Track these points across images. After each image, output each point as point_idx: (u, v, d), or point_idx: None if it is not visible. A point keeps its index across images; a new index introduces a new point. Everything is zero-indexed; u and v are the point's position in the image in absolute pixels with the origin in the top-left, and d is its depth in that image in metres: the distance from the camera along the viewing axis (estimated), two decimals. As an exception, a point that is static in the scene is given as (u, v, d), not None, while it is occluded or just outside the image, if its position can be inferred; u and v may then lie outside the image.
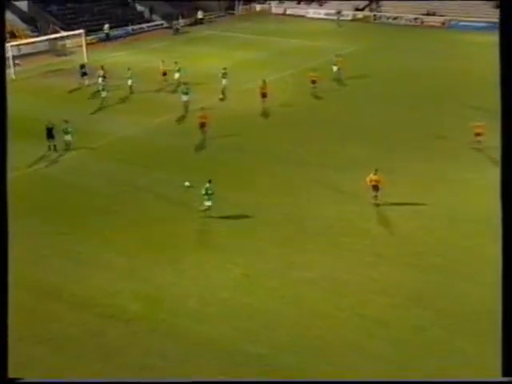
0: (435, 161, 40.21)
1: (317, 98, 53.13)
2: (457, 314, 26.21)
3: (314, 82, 54.32)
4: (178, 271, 29.25)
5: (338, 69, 58.08)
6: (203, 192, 32.97)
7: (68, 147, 41.47)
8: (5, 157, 11.27)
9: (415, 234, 32.32)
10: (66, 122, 42.00)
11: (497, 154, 32.21)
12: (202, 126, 43.22)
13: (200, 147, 42.14)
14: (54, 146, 41.19)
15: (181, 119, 46.29)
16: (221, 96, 53.39)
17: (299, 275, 28.81)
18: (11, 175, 32.94)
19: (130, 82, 54.09)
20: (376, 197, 34.53)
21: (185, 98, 48.62)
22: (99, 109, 51.23)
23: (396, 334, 24.96)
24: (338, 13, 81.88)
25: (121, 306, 26.58)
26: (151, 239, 32.03)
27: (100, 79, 54.03)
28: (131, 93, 54.00)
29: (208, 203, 33.11)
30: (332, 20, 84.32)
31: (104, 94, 52.61)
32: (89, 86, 54.92)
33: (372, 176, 34.27)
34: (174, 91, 53.73)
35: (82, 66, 55.80)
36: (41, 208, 35.27)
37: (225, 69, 55.44)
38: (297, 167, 39.60)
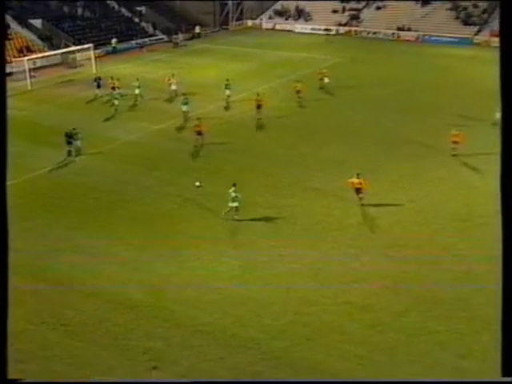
0: (412, 162, 40.31)
1: (303, 105, 53.02)
2: (430, 300, 26.38)
3: (298, 91, 53.98)
4: (178, 263, 29.30)
5: (328, 80, 57.69)
6: (230, 195, 32.75)
7: (78, 152, 41.15)
8: (4, 158, 11.11)
9: (393, 229, 32.46)
10: (74, 129, 41.84)
11: (471, 159, 32.05)
12: (199, 133, 42.89)
13: (198, 151, 42.13)
14: (70, 151, 41.06)
15: (180, 127, 46.00)
16: (225, 105, 53.12)
17: (288, 266, 28.90)
18: (27, 176, 33.15)
19: (137, 91, 53.91)
20: (360, 198, 34.40)
21: (184, 108, 48.25)
22: (110, 116, 51.11)
23: (377, 319, 25.09)
24: (327, 30, 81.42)
25: (127, 295, 26.64)
26: (154, 234, 32.08)
27: (114, 90, 53.67)
28: (138, 101, 53.71)
29: (233, 204, 32.84)
30: (318, 35, 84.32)
31: (116, 102, 52.44)
32: (102, 96, 54.45)
33: (354, 179, 34.08)
34: (173, 100, 53.34)
35: (97, 79, 55.44)
36: (54, 205, 35.26)
37: (228, 80, 55.10)
38: (287, 168, 39.61)
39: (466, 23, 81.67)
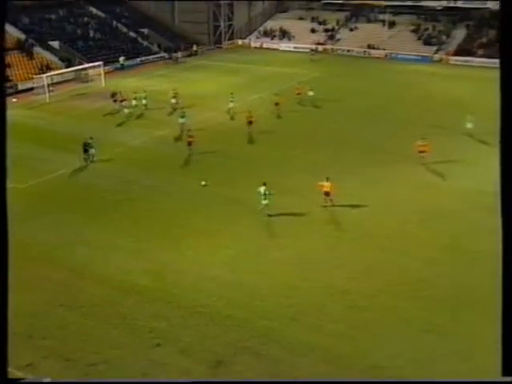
0: (384, 166, 40.21)
1: (283, 115, 52.42)
2: (399, 283, 26.53)
3: (277, 104, 52.78)
4: (177, 252, 29.29)
5: (312, 93, 56.11)
6: (262, 193, 32.43)
7: (92, 158, 40.94)
8: (4, 160, 10.83)
9: (365, 222, 32.52)
10: (91, 138, 41.53)
11: (435, 165, 31.87)
12: (189, 144, 42.26)
13: (194, 155, 41.84)
14: (87, 158, 40.67)
15: (178, 137, 45.47)
16: (230, 115, 52.31)
17: (274, 255, 28.94)
18: (43, 178, 32.83)
19: (144, 101, 53.50)
20: (329, 201, 33.64)
21: (181, 120, 47.26)
22: (119, 124, 50.82)
23: (353, 300, 25.20)
24: (312, 50, 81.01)
25: (133, 281, 26.62)
26: (155, 227, 32.05)
27: (121, 102, 53.35)
28: (144, 110, 53.28)
29: (265, 202, 32.46)
30: (300, 52, 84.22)
31: (126, 111, 52.27)
32: (119, 110, 53.81)
33: (324, 183, 33.50)
34: (173, 112, 52.95)
35: (114, 94, 54.89)
36: (67, 204, 35.14)
37: (232, 93, 54.49)
38: (270, 169, 39.41)
39: (426, 43, 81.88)
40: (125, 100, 53.40)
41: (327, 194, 33.38)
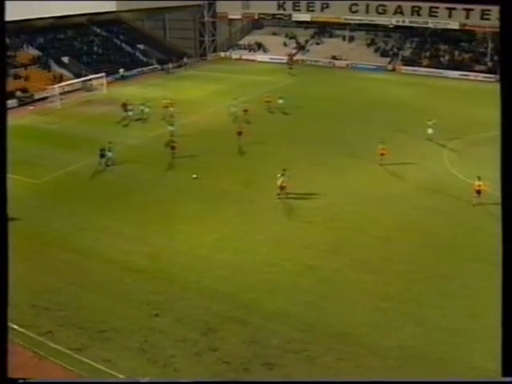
0: (349, 159, 40.22)
1: (249, 121, 51.39)
2: (360, 259, 26.72)
3: (245, 110, 50.71)
4: (171, 237, 29.25)
5: (282, 101, 53.72)
6: (279, 178, 32.97)
7: (112, 162, 39.61)
8: (4, 160, 10.56)
9: (331, 207, 32.56)
10: (110, 143, 40.62)
11: (394, 160, 31.86)
12: (172, 148, 40.70)
13: (183, 151, 41.44)
14: (105, 162, 39.47)
15: (167, 142, 42.74)
16: (232, 119, 50.54)
17: (254, 237, 28.99)
18: (55, 174, 32.57)
19: (142, 107, 52.41)
20: (284, 194, 33.24)
21: (170, 128, 45.10)
22: (120, 127, 50.28)
23: (322, 275, 25.32)
24: (290, 64, 79.82)
25: (133, 262, 26.59)
26: (151, 215, 31.92)
27: (125, 106, 52.53)
28: (144, 116, 52.62)
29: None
30: (274, 63, 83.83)
31: (130, 113, 51.71)
32: (126, 117, 52.30)
33: (279, 176, 32.94)
34: (163, 118, 51.52)
35: (125, 105, 53.91)
36: (76, 196, 34.94)
37: (235, 99, 53.63)
38: (254, 163, 39.53)
39: (381, 55, 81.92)
40: (127, 105, 52.66)
41: (282, 188, 33.05)
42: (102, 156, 39.54)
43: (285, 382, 18.23)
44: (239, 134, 43.38)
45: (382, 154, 38.18)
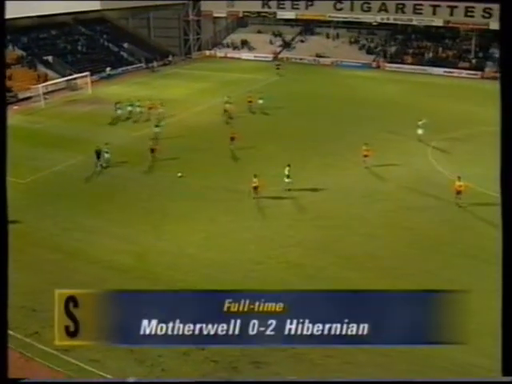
0: (334, 157, 40.38)
1: (246, 114, 52.03)
2: (346, 256, 26.77)
3: (225, 110, 50.89)
4: (157, 236, 29.20)
5: (262, 102, 52.94)
6: (286, 173, 33.54)
7: (108, 163, 39.10)
8: (4, 160, 10.51)
9: (317, 205, 32.70)
10: (107, 144, 39.82)
11: (377, 160, 31.64)
12: (152, 151, 39.97)
13: (168, 150, 41.31)
14: (101, 164, 38.80)
15: (153, 145, 41.52)
16: (231, 117, 50.55)
17: (240, 236, 29.00)
18: (41, 174, 32.32)
19: (130, 108, 52.10)
20: (256, 194, 32.95)
21: (156, 129, 44.60)
22: (105, 126, 49.89)
23: (308, 272, 25.37)
24: (278, 65, 77.02)
25: (119, 261, 26.47)
26: (138, 214, 31.83)
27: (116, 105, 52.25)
28: (130, 115, 52.28)
29: (288, 180, 33.53)
30: (259, 61, 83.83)
31: (119, 112, 51.44)
32: (124, 116, 52.03)
33: (254, 180, 32.53)
34: (148, 120, 51.33)
35: (117, 103, 53.30)
36: (62, 196, 34.68)
37: (229, 97, 53.04)
38: (233, 161, 39.46)
39: (366, 52, 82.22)
40: (118, 103, 52.34)
41: (255, 188, 32.73)
42: (99, 157, 38.89)
43: (285, 382, 18.27)
44: (232, 139, 41.72)
45: (366, 156, 37.80)
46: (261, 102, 53.03)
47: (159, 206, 32.83)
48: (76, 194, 35.06)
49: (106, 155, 39.12)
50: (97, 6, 77.71)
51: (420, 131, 42.86)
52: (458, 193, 31.49)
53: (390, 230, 29.52)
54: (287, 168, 33.61)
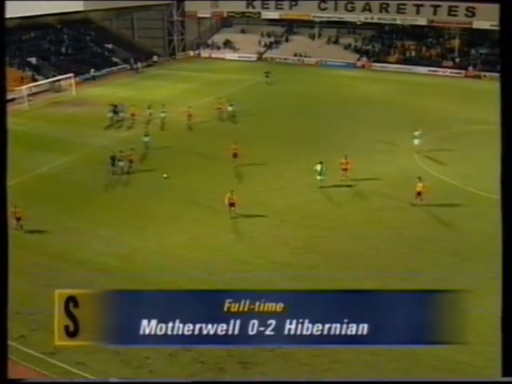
0: (316, 156, 40.23)
1: (232, 115, 51.83)
2: (334, 255, 26.82)
3: (219, 108, 51.26)
4: (144, 237, 29.13)
5: (231, 108, 51.51)
6: (318, 170, 34.06)
7: (122, 171, 38.10)
8: (5, 160, 10.41)
9: (303, 205, 32.72)
10: (121, 151, 38.65)
11: (360, 158, 31.30)
12: (130, 161, 38.38)
13: (156, 151, 41.23)
14: (115, 171, 37.84)
15: (142, 156, 41.65)
16: (233, 116, 50.89)
17: (228, 237, 29.02)
18: (27, 176, 32.15)
19: (121, 114, 51.02)
20: (232, 212, 30.89)
21: (145, 139, 43.05)
22: (90, 128, 49.43)
23: (295, 272, 25.32)
24: (266, 72, 69.62)
25: (106, 263, 26.40)
26: (124, 216, 31.78)
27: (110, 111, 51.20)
28: (119, 117, 51.43)
29: (320, 177, 34.05)
30: (243, 61, 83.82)
31: (110, 114, 50.59)
32: (120, 120, 51.06)
33: (229, 195, 30.52)
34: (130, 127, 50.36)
35: (114, 106, 52.74)
36: (48, 198, 34.54)
37: (220, 98, 53.06)
38: (221, 163, 39.21)
39: (351, 52, 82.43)
40: (111, 105, 51.78)
41: (232, 204, 30.59)
42: (113, 165, 37.88)
43: (285, 382, 18.28)
44: (234, 155, 38.42)
45: (345, 169, 35.40)
46: (230, 108, 51.71)
47: (145, 207, 32.75)
48: (61, 196, 34.84)
49: (120, 163, 37.95)
50: (80, 6, 77.27)
51: (416, 141, 40.57)
52: (419, 194, 31.54)
53: (377, 228, 29.54)
54: (319, 165, 34.00)
